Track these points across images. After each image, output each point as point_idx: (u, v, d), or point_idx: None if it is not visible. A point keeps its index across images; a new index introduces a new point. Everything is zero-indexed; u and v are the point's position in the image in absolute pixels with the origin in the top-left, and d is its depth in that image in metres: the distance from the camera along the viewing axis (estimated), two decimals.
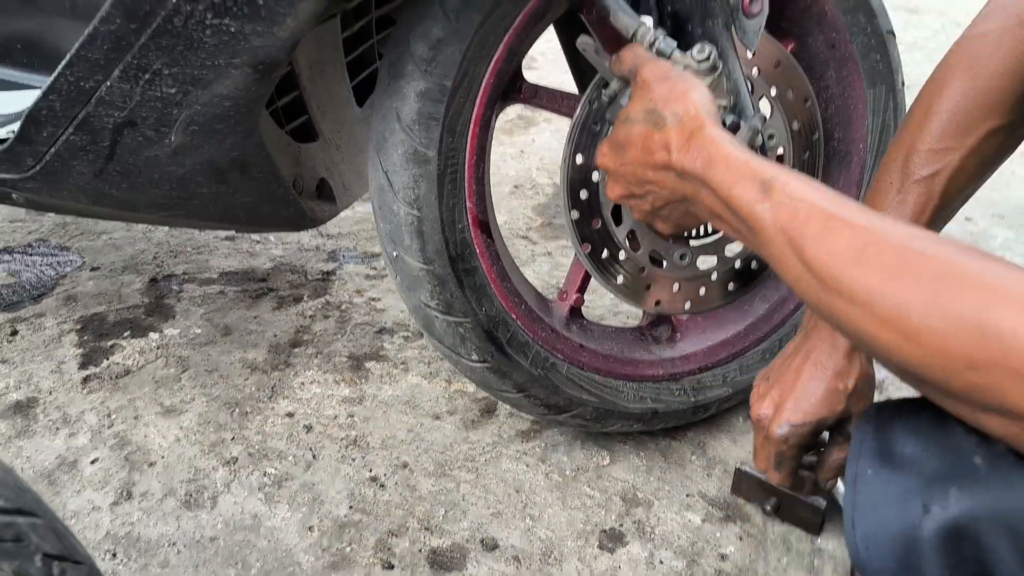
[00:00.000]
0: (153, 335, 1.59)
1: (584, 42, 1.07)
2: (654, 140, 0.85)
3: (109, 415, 1.39)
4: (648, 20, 1.00)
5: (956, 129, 0.92)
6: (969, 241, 1.89)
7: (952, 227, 1.95)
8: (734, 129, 0.99)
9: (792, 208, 0.70)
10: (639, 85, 0.91)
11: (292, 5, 0.91)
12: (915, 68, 2.79)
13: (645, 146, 0.87)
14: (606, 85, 1.06)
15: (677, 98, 0.86)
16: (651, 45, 0.95)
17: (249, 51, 0.95)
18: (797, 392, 0.93)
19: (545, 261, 1.83)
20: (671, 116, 0.84)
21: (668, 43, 0.94)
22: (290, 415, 1.40)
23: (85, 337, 1.57)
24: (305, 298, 1.70)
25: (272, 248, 1.86)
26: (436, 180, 1.07)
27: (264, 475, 1.28)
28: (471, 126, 1.08)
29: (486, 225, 1.14)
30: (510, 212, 2.00)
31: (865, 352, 0.89)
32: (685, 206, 0.88)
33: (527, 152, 2.28)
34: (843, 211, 0.67)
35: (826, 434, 0.98)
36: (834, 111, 1.28)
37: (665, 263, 1.18)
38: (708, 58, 0.93)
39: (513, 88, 1.16)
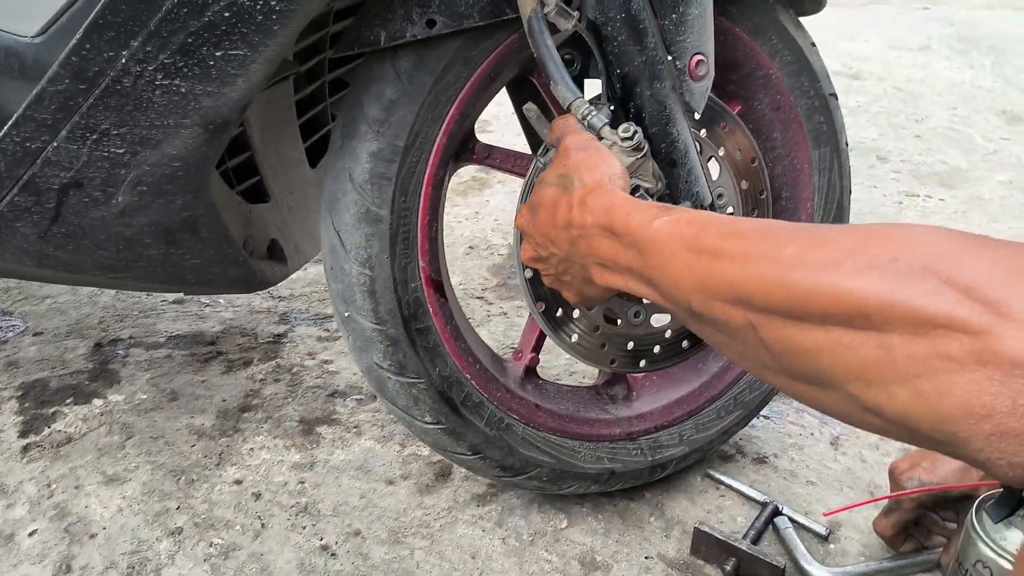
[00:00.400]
0: (97, 401, 1.55)
1: (528, 108, 1.09)
2: (561, 202, 0.89)
3: (49, 485, 1.34)
4: (586, 95, 1.01)
5: None
6: None
7: None
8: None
9: (690, 218, 0.73)
10: (560, 152, 0.95)
11: (243, 66, 0.91)
12: (859, 131, 2.89)
13: (553, 208, 0.91)
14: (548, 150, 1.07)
15: (589, 167, 0.90)
16: (583, 118, 0.98)
17: (199, 112, 0.95)
18: (938, 456, 0.97)
19: (500, 321, 1.83)
20: (578, 181, 0.88)
21: (599, 119, 0.97)
22: (238, 482, 1.36)
23: (26, 404, 1.52)
24: (255, 361, 1.66)
25: (222, 311, 1.83)
26: (388, 240, 1.07)
27: (210, 545, 1.23)
28: (424, 186, 1.08)
29: (439, 284, 1.13)
30: (465, 273, 2.00)
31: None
32: (584, 272, 0.90)
33: (482, 213, 2.29)
34: (743, 222, 0.69)
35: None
36: (781, 171, 1.31)
37: (619, 321, 1.18)
38: (632, 137, 0.96)
39: (466, 148, 1.16)
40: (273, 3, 0.85)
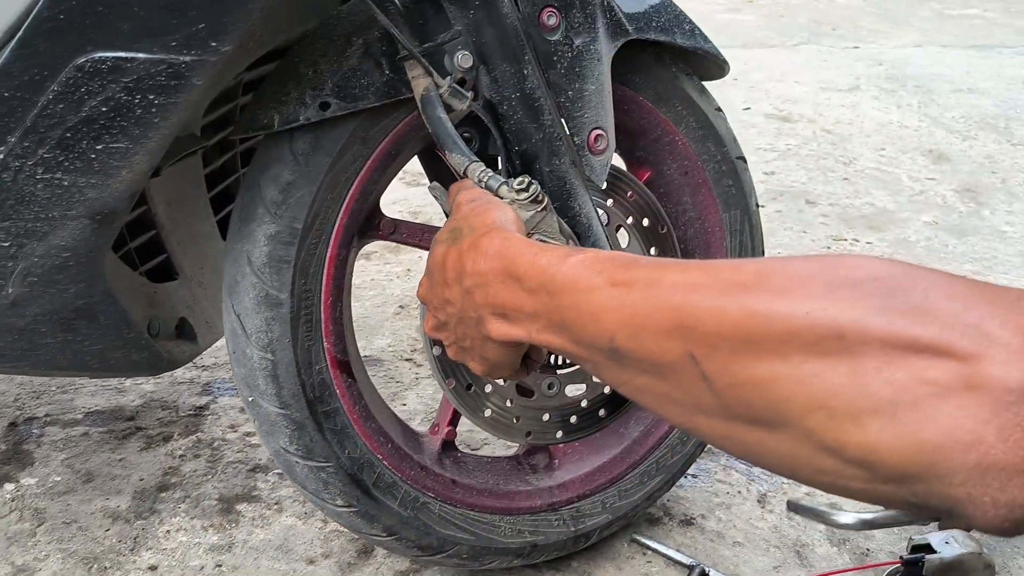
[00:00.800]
0: (8, 486, 1.49)
1: (433, 187, 1.08)
2: (451, 255, 0.81)
3: None
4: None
5: None
6: None
7: None
8: None
9: (611, 255, 0.68)
10: (453, 210, 0.90)
11: (126, 158, 0.89)
12: (788, 175, 2.93)
13: (443, 264, 0.83)
14: None
15: (478, 214, 0.84)
16: (480, 181, 0.96)
17: (84, 203, 0.92)
18: None
19: (429, 384, 1.80)
20: (468, 229, 0.81)
21: (496, 179, 0.95)
22: (153, 568, 1.32)
23: None
24: (175, 436, 1.62)
25: (143, 383, 1.78)
26: (290, 323, 1.05)
27: None
28: (325, 267, 1.07)
29: (347, 365, 1.11)
30: (394, 334, 1.97)
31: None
32: (479, 329, 0.80)
33: (414, 270, 2.28)
34: (666, 259, 0.67)
35: None
36: (693, 234, 1.31)
37: (534, 393, 1.17)
38: (527, 188, 0.92)
39: (371, 225, 1.15)
40: (152, 97, 0.84)
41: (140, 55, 0.81)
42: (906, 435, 0.47)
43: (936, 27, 5.52)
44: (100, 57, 0.81)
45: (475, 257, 0.77)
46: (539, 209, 0.94)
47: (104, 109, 0.84)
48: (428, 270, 0.88)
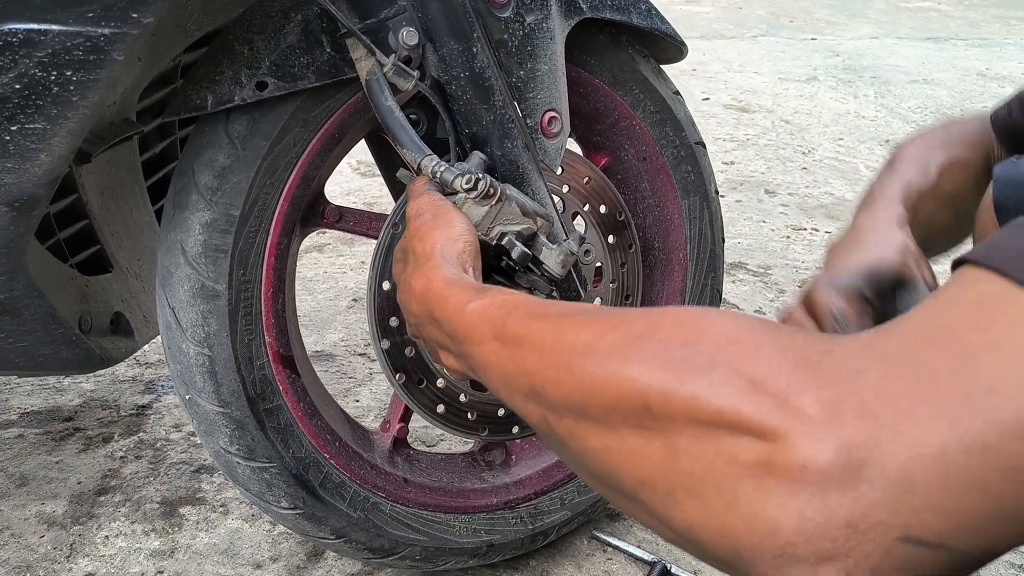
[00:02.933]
0: None
1: (402, 175, 1.03)
2: (403, 279, 0.83)
3: None
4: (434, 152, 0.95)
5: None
6: None
7: None
8: (537, 253, 0.94)
9: (503, 300, 0.65)
10: (407, 221, 0.88)
11: (43, 140, 0.82)
12: (748, 164, 2.91)
13: (401, 285, 0.84)
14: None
15: (421, 236, 0.82)
16: (435, 175, 0.91)
17: (1, 189, 0.86)
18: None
19: (384, 380, 1.75)
20: (411, 255, 0.81)
21: (450, 172, 0.90)
22: None
23: None
24: (116, 437, 1.55)
25: (82, 382, 1.71)
26: (228, 316, 0.99)
27: None
28: (265, 256, 1.01)
29: (290, 360, 1.06)
30: (347, 328, 1.92)
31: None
32: (435, 355, 0.82)
33: (368, 263, 2.22)
34: (553, 305, 0.62)
35: None
36: (652, 221, 1.28)
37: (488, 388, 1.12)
38: (475, 186, 0.89)
39: (315, 212, 1.10)
40: (69, 73, 0.77)
41: (54, 27, 0.75)
42: (714, 518, 0.44)
43: (892, 19, 5.57)
44: (10, 29, 0.75)
45: (408, 297, 0.78)
46: (493, 203, 0.89)
47: (17, 86, 0.78)
48: (394, 283, 0.89)
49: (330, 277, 2.12)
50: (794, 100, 3.69)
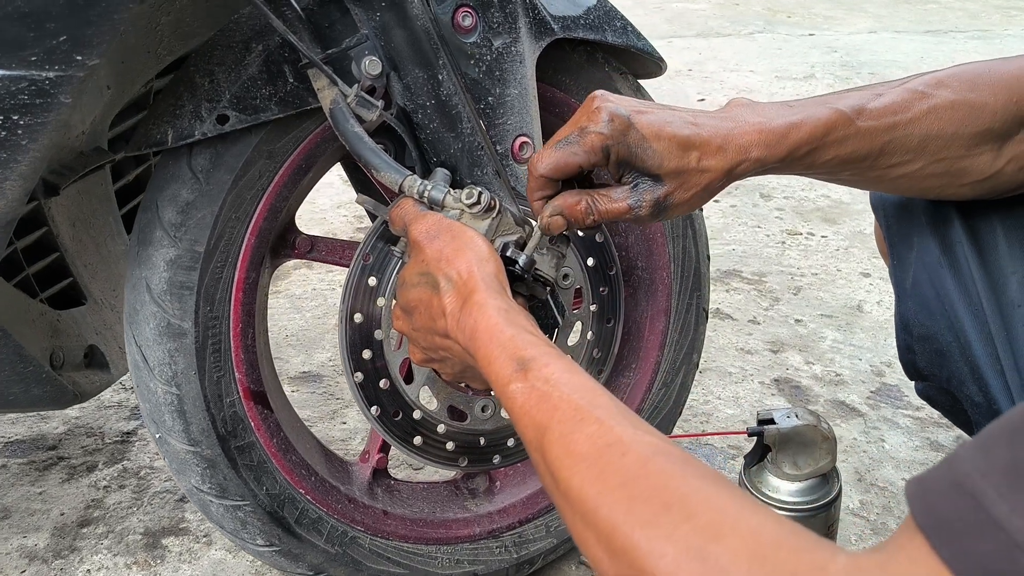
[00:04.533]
0: None
1: (362, 200, 1.01)
2: (434, 306, 0.80)
3: None
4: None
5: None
6: (799, 344, 1.90)
7: (782, 330, 1.96)
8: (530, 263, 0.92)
9: (544, 393, 0.65)
10: (412, 245, 0.86)
11: None
12: None
13: (428, 312, 0.82)
14: (394, 241, 0.99)
15: (448, 259, 0.80)
16: (421, 196, 0.89)
17: None
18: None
19: None
20: (444, 280, 0.79)
21: (439, 190, 0.89)
22: None
23: None
24: (100, 466, 1.53)
25: (68, 409, 1.69)
26: (195, 354, 0.97)
27: None
28: (233, 292, 0.99)
29: (262, 395, 1.04)
30: (336, 347, 1.89)
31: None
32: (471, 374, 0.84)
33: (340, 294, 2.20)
34: (596, 405, 0.62)
35: None
36: (634, 240, 1.25)
37: (467, 417, 1.10)
38: (479, 201, 0.87)
39: (285, 243, 1.07)
40: (16, 117, 0.75)
41: None
42: None
43: (890, 12, 5.52)
44: None
45: (458, 331, 0.77)
46: (494, 216, 0.88)
47: None
48: (405, 308, 0.86)
49: (319, 294, 2.10)
50: (787, 96, 3.65)
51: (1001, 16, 5.47)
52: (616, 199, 0.83)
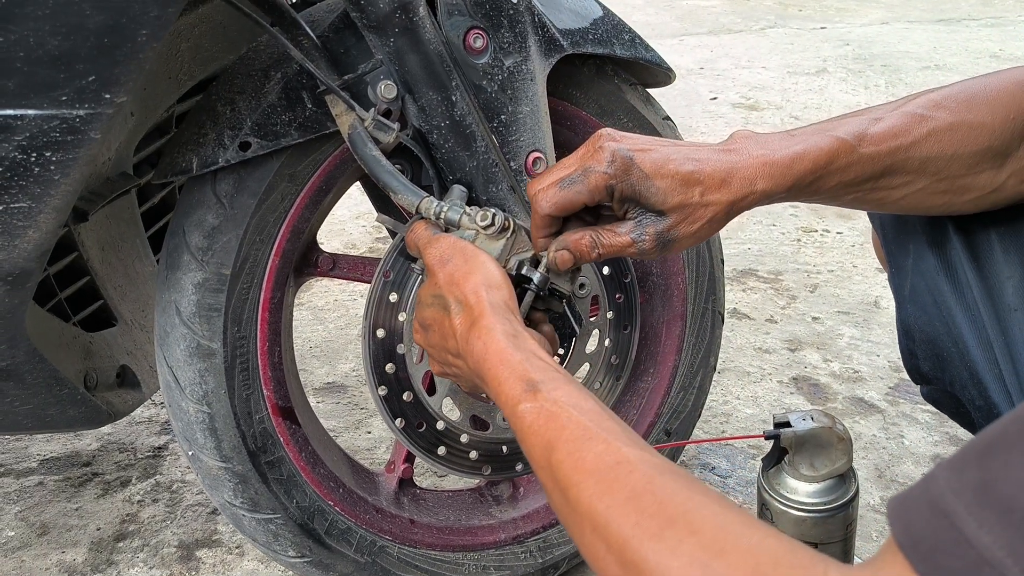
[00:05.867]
0: None
1: (382, 219, 1.04)
2: (445, 326, 0.83)
3: None
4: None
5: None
6: (817, 342, 1.91)
7: (799, 328, 1.97)
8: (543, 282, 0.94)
9: (552, 413, 0.67)
10: (427, 268, 0.89)
11: (29, 217, 0.84)
12: None
13: (440, 331, 0.85)
14: (413, 258, 1.02)
15: (458, 283, 0.83)
16: (437, 216, 0.92)
17: None
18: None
19: None
20: (454, 303, 0.82)
21: (455, 211, 0.91)
22: None
23: None
24: (133, 480, 1.57)
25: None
26: (224, 373, 1.00)
27: None
28: (259, 312, 1.02)
29: (290, 411, 1.07)
30: (359, 358, 1.92)
31: None
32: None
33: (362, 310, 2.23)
34: (604, 427, 0.64)
35: None
36: None
37: (489, 426, 1.13)
38: (493, 222, 0.90)
39: (308, 263, 1.10)
40: (48, 154, 0.78)
41: (30, 112, 0.76)
42: None
43: (903, 2, 5.50)
44: None
45: (467, 352, 0.79)
46: (508, 235, 0.90)
47: (0, 169, 0.79)
48: (422, 324, 0.89)
49: (341, 305, 2.14)
50: (803, 95, 3.66)
51: (1015, 1, 5.44)
52: (620, 234, 0.85)
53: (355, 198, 2.69)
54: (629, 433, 0.64)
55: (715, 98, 3.64)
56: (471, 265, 0.84)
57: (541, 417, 0.67)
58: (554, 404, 0.67)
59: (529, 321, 0.96)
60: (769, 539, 0.50)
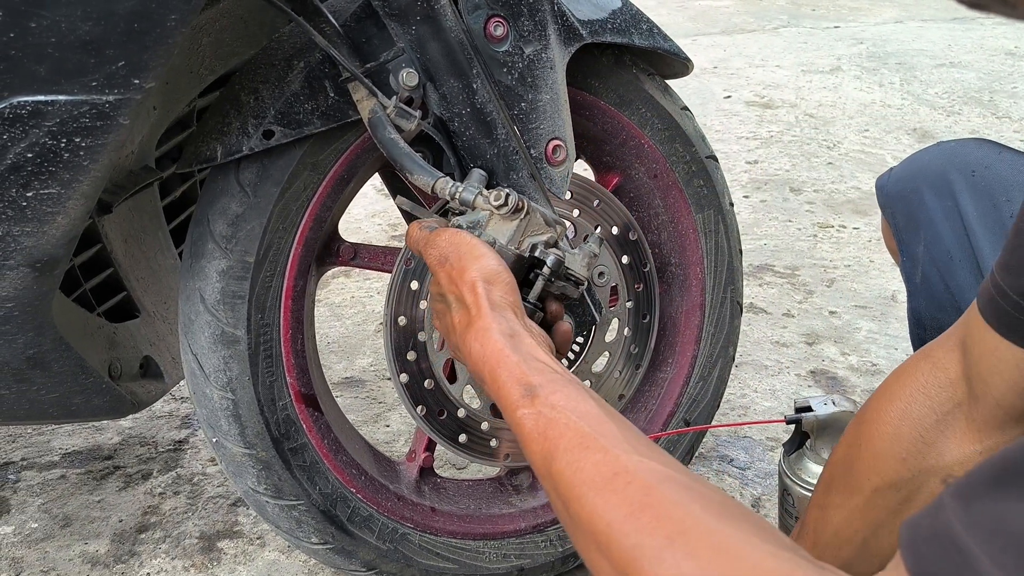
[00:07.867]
0: None
1: (402, 202, 1.04)
2: (447, 321, 0.85)
3: None
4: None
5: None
6: (835, 335, 1.91)
7: (816, 322, 1.97)
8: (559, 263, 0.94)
9: (550, 419, 0.66)
10: (429, 267, 0.89)
11: (59, 203, 0.85)
12: (772, 163, 2.89)
13: (444, 325, 0.87)
14: None
15: (455, 281, 0.83)
16: (452, 197, 0.93)
17: (22, 252, 0.88)
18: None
19: None
20: (454, 301, 0.83)
21: (469, 191, 0.92)
22: None
23: None
24: (155, 473, 1.58)
25: (121, 420, 1.74)
26: (248, 360, 1.01)
27: None
28: (282, 299, 1.03)
29: (313, 398, 1.08)
30: (377, 352, 1.94)
31: None
32: None
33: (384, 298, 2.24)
34: (602, 433, 0.63)
35: None
36: (667, 237, 1.28)
37: None
38: (506, 202, 0.90)
39: (330, 252, 1.11)
40: (78, 140, 0.80)
41: (61, 97, 0.77)
42: None
43: (916, 1, 5.48)
44: (19, 102, 0.77)
45: (466, 349, 0.80)
46: (522, 216, 0.91)
47: (30, 155, 0.80)
48: (435, 312, 0.92)
49: (357, 301, 2.15)
50: (818, 93, 3.65)
51: None
52: None
53: (370, 197, 2.71)
54: (629, 435, 0.63)
55: (729, 96, 3.63)
56: (467, 261, 0.84)
57: (539, 424, 0.67)
58: (552, 409, 0.67)
59: (547, 312, 0.96)
60: (768, 560, 0.49)
